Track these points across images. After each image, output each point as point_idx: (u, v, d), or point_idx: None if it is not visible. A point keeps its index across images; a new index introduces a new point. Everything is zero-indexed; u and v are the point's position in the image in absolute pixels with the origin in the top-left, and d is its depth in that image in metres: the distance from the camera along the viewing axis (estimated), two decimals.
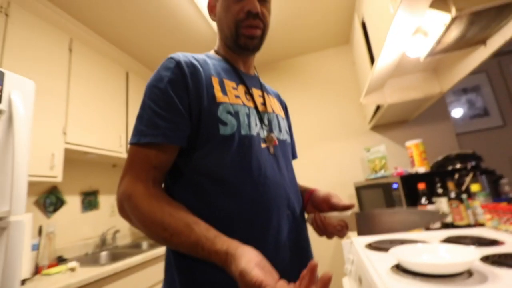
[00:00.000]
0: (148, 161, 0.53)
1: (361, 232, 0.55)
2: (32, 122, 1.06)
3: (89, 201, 2.00)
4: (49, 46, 1.53)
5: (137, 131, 0.54)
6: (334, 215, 0.59)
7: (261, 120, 0.63)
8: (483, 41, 1.07)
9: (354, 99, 2.33)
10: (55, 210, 1.73)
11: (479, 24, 0.91)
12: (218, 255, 0.44)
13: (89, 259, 1.72)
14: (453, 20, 0.84)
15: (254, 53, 0.69)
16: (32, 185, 1.42)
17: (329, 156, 2.32)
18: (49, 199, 1.70)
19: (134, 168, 0.53)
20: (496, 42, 1.03)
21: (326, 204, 0.63)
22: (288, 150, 0.70)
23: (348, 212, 0.57)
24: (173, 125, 0.53)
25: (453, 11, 0.80)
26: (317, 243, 1.57)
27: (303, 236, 0.64)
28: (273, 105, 0.72)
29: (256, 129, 0.60)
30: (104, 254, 1.82)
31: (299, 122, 2.42)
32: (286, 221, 0.58)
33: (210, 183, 0.54)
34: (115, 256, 1.78)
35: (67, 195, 1.84)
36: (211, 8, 0.69)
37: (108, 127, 1.87)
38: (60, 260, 1.59)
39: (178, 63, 0.57)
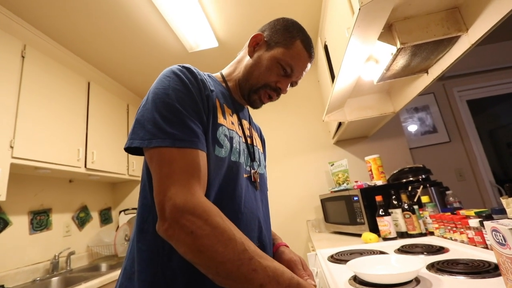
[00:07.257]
0: (198, 168, 0.47)
1: None
2: None
3: (40, 220, 1.81)
4: None
5: (166, 134, 0.47)
6: None
7: (248, 151, 0.66)
8: (425, 70, 1.22)
9: (319, 115, 2.44)
10: None
11: (420, 55, 1.05)
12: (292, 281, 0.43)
13: (37, 287, 1.54)
14: (399, 51, 0.96)
15: None
16: None
17: (297, 170, 2.38)
18: None
19: (185, 175, 0.45)
20: (436, 71, 1.18)
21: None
22: (265, 184, 0.73)
23: None
24: (202, 132, 0.52)
25: (398, 44, 0.92)
26: None
27: None
28: (256, 139, 0.76)
29: (243, 158, 0.62)
30: (55, 280, 1.66)
31: (269, 136, 2.47)
32: None
33: None
34: (68, 281, 1.63)
35: (13, 215, 1.65)
36: (255, 45, 0.68)
37: (65, 140, 1.74)
38: None
39: (197, 75, 0.57)
